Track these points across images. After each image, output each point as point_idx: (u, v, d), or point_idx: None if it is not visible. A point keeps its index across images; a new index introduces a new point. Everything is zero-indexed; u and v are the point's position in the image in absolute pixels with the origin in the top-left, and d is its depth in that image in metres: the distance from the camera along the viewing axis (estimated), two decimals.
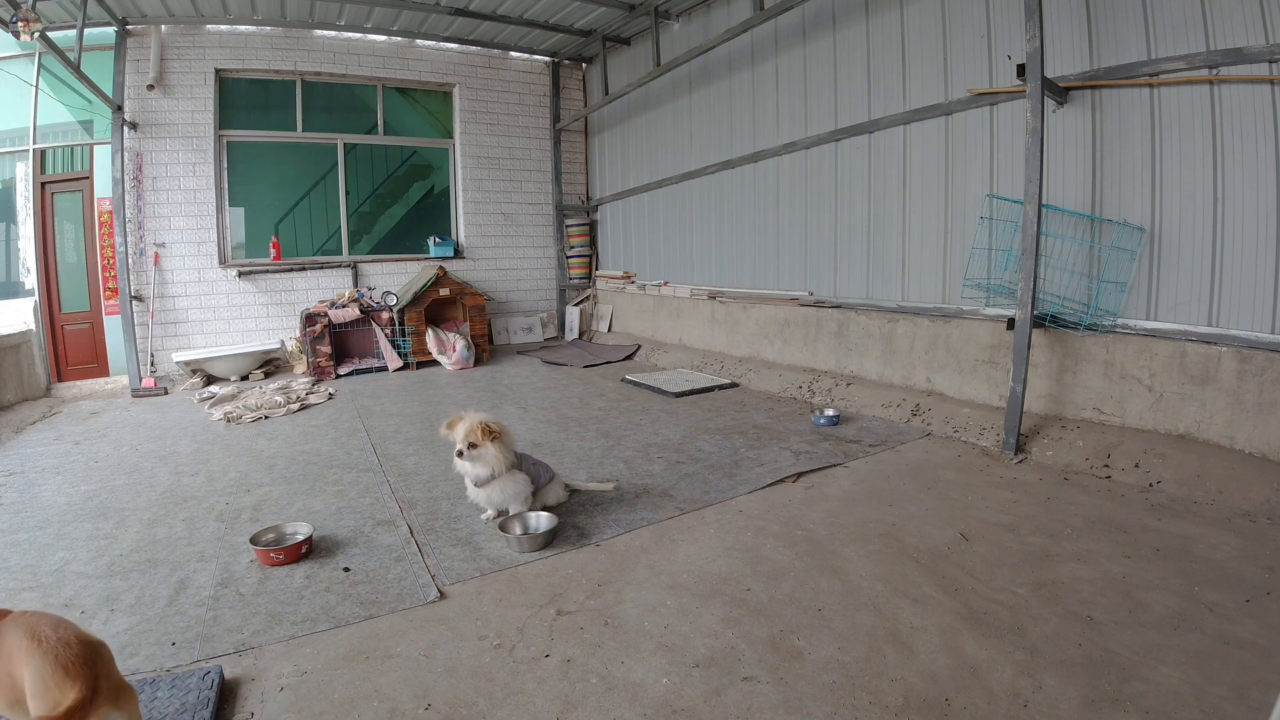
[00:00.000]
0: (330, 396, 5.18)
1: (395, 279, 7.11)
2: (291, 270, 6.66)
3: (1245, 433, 2.74)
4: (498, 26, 6.80)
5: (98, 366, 6.13)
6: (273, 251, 6.56)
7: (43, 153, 5.88)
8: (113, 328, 6.02)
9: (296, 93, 6.69)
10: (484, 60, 7.53)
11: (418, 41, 7.12)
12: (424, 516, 2.68)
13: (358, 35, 6.78)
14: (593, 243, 8.24)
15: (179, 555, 2.37)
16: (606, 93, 7.23)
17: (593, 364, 6.27)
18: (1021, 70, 3.01)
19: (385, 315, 6.28)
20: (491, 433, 2.42)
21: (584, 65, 8.11)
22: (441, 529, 2.55)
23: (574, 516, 2.62)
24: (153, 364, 6.01)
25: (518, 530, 2.46)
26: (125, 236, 5.79)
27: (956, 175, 3.95)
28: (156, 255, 6.06)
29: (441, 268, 6.60)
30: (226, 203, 6.44)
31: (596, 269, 8.20)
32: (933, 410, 3.79)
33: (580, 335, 7.91)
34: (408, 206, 7.57)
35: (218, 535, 2.54)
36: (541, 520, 2.49)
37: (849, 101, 4.63)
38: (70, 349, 6.07)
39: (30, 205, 5.81)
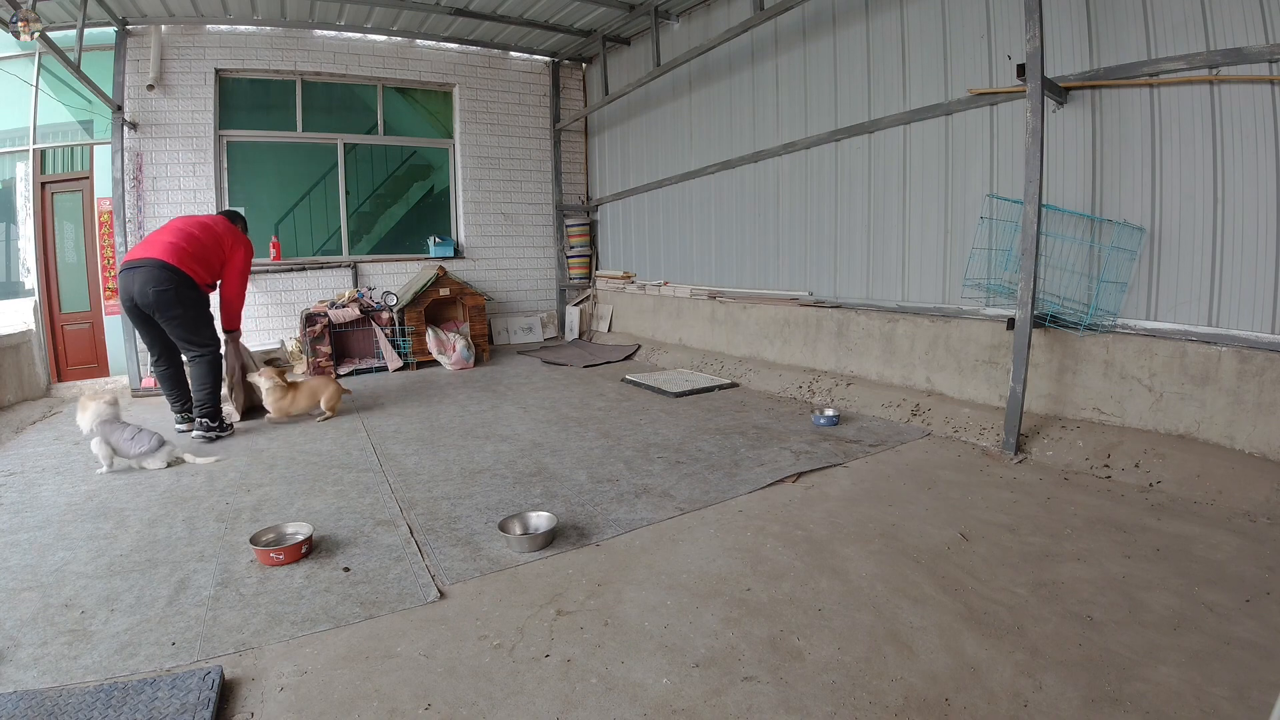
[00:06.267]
0: None
1: (395, 279, 7.11)
2: (291, 270, 6.66)
3: (1245, 433, 2.74)
4: (498, 26, 6.80)
5: (98, 366, 6.13)
6: (273, 251, 6.56)
7: (43, 153, 5.88)
8: (113, 328, 6.02)
9: (296, 93, 6.69)
10: (484, 60, 7.53)
11: (418, 41, 7.12)
12: (424, 516, 2.68)
13: (358, 35, 6.78)
14: (593, 243, 8.24)
15: (179, 555, 2.37)
16: (606, 93, 7.23)
17: (593, 364, 6.27)
18: (1021, 70, 3.01)
19: (385, 315, 6.28)
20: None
21: (584, 65, 8.11)
22: (441, 529, 2.55)
23: (574, 517, 2.62)
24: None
25: (517, 530, 2.46)
26: (125, 236, 5.79)
27: (956, 175, 3.95)
28: None
29: (441, 268, 6.60)
30: (227, 203, 6.44)
31: (596, 269, 8.20)
32: (933, 410, 3.79)
33: (580, 335, 7.91)
34: (408, 206, 7.57)
35: (218, 535, 2.54)
36: (541, 520, 2.49)
37: (849, 101, 4.63)
38: (70, 349, 6.07)
39: (30, 205, 5.81)
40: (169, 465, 3.40)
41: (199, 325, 4.10)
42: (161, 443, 3.40)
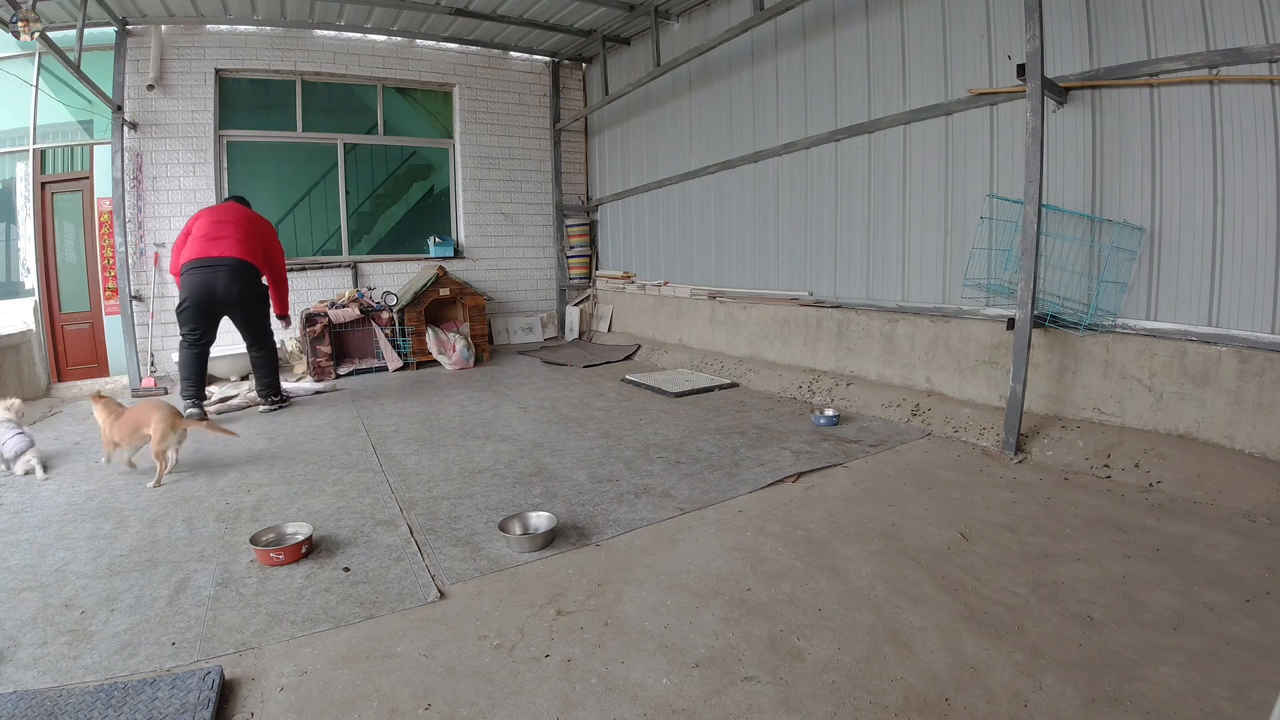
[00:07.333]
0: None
1: (395, 279, 7.11)
2: (291, 270, 6.61)
3: (1245, 433, 2.74)
4: (498, 26, 6.80)
5: (98, 366, 6.13)
6: None
7: (43, 153, 5.88)
8: (113, 328, 6.02)
9: (296, 93, 6.69)
10: (484, 60, 7.53)
11: (418, 41, 7.12)
12: (424, 516, 2.68)
13: (358, 35, 6.78)
14: (593, 243, 8.24)
15: (179, 555, 2.37)
16: (606, 93, 7.23)
17: (593, 364, 6.27)
18: (1021, 70, 3.01)
19: (385, 315, 6.28)
20: None
21: (584, 65, 8.11)
22: (441, 529, 2.55)
23: (574, 517, 2.62)
24: (153, 364, 6.01)
25: (517, 530, 2.46)
26: (125, 236, 5.79)
27: (956, 175, 3.95)
28: (156, 255, 6.05)
29: (441, 268, 6.60)
30: None
31: (596, 269, 8.20)
32: (933, 410, 3.79)
33: (580, 335, 7.91)
34: (408, 206, 7.57)
35: (218, 535, 2.54)
36: (541, 520, 2.49)
37: (849, 101, 4.63)
38: (70, 349, 6.07)
39: (30, 205, 5.81)
40: (26, 474, 3.32)
41: (268, 319, 4.67)
42: (20, 452, 3.34)
